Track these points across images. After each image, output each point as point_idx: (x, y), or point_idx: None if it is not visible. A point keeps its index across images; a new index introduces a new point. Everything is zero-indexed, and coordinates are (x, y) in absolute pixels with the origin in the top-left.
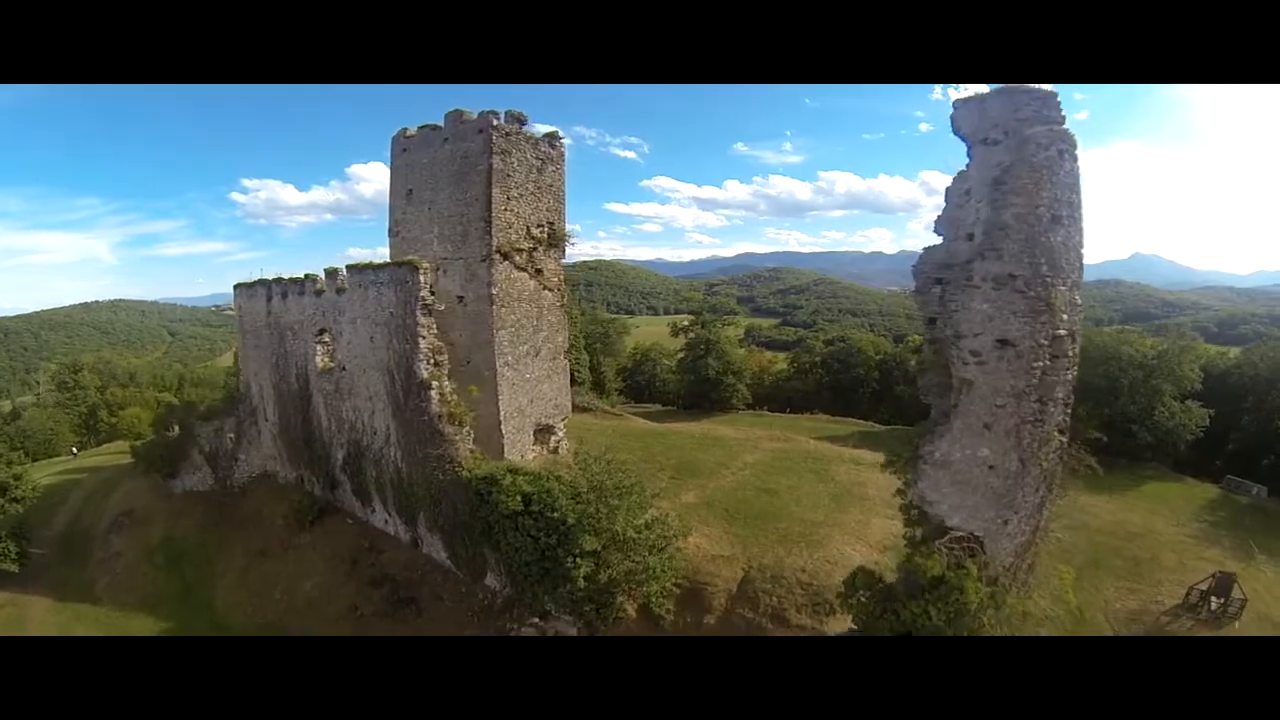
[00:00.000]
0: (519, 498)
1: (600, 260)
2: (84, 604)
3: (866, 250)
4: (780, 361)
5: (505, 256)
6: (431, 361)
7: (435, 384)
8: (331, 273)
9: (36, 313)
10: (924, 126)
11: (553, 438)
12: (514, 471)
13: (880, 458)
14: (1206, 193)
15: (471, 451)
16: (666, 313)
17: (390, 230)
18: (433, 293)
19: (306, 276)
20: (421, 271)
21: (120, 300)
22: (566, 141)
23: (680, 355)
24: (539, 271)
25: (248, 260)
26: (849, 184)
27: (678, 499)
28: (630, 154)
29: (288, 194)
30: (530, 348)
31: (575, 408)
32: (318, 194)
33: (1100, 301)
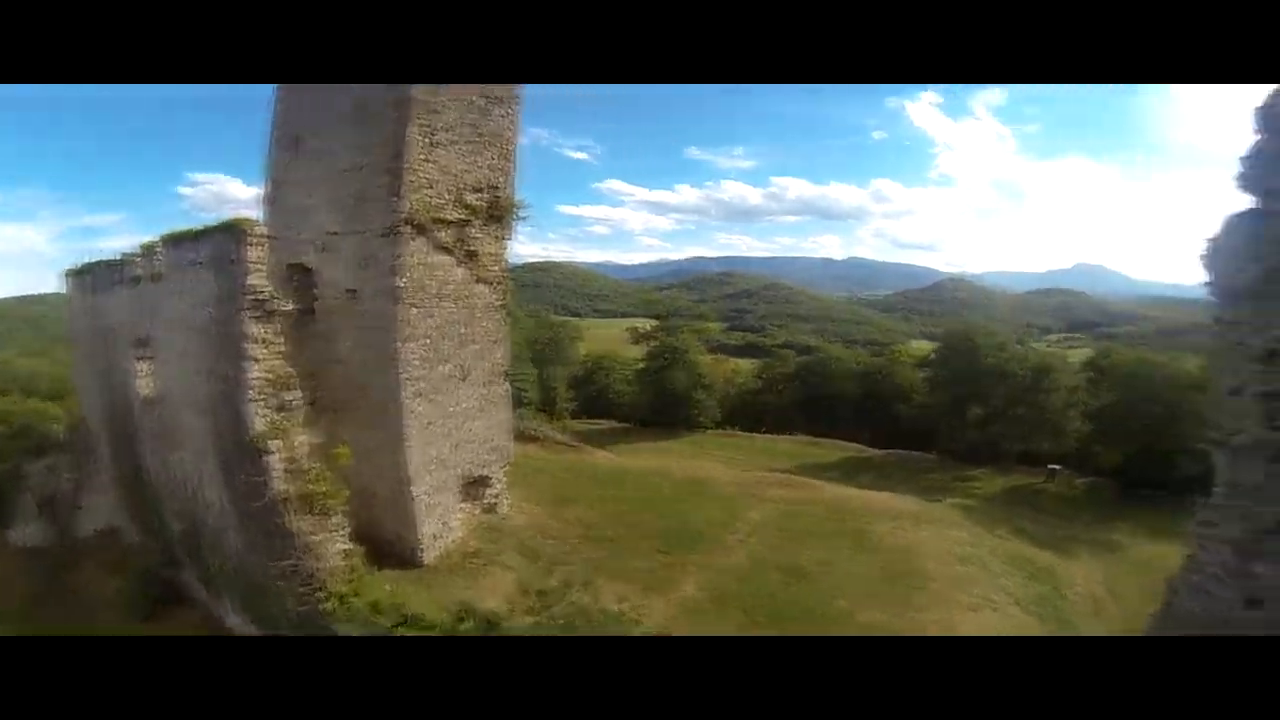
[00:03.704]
0: None
1: (549, 261)
2: None
3: (816, 256)
4: (743, 370)
5: (421, 230)
6: (271, 403)
7: (278, 444)
8: (149, 249)
9: None
10: (877, 134)
11: (488, 491)
12: (404, 625)
13: (913, 506)
14: (1149, 205)
15: (346, 555)
16: (615, 316)
17: (266, 195)
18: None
19: (124, 258)
20: (250, 240)
21: (60, 294)
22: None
23: (640, 365)
24: (472, 255)
25: None
26: (800, 190)
27: (674, 591)
28: (583, 155)
29: (235, 188)
30: (455, 367)
31: (519, 436)
32: None
33: (1048, 310)
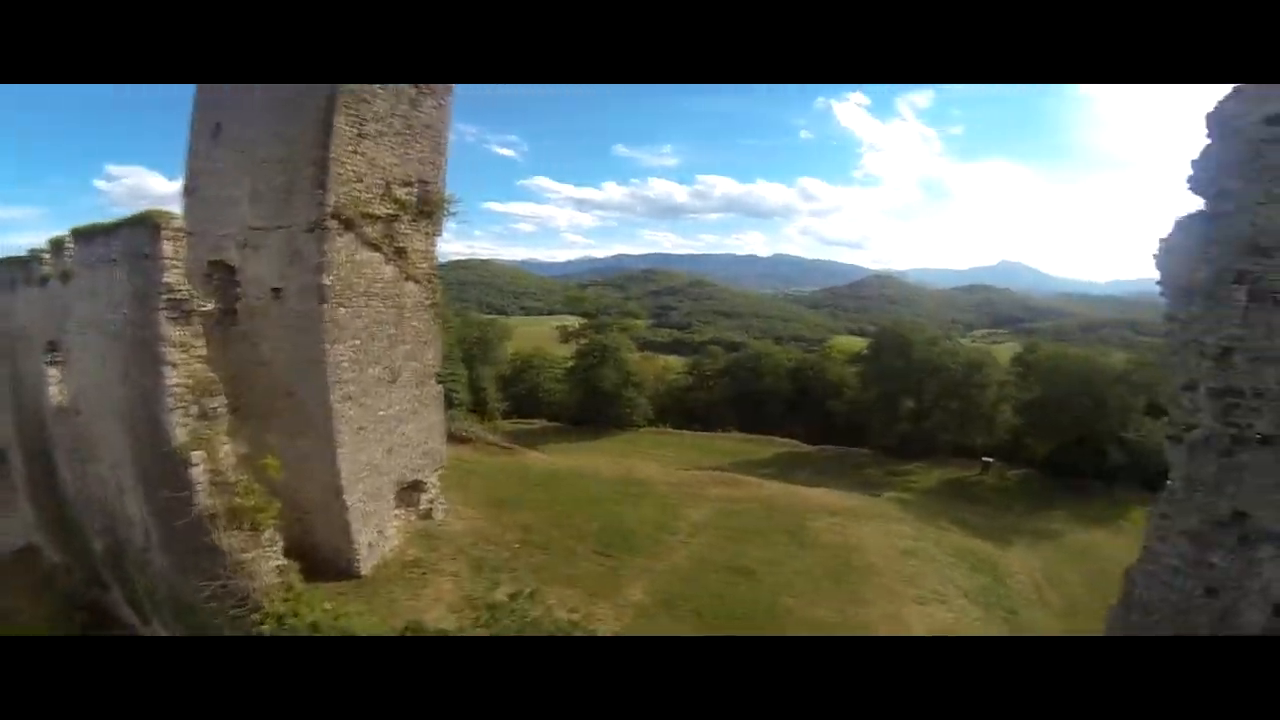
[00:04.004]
0: None
1: (475, 259)
2: None
3: (740, 253)
4: (673, 366)
5: (349, 226)
6: (193, 412)
7: (201, 455)
8: (58, 245)
9: None
10: (804, 134)
11: (423, 497)
12: None
13: (854, 501)
14: (1066, 206)
15: (281, 572)
16: (540, 313)
17: (185, 186)
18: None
19: (31, 254)
20: (165, 236)
21: None
22: None
23: (570, 364)
24: (401, 252)
25: None
26: (726, 188)
27: (620, 595)
28: (509, 152)
29: (155, 182)
30: (385, 369)
31: (451, 438)
32: None
33: (971, 306)
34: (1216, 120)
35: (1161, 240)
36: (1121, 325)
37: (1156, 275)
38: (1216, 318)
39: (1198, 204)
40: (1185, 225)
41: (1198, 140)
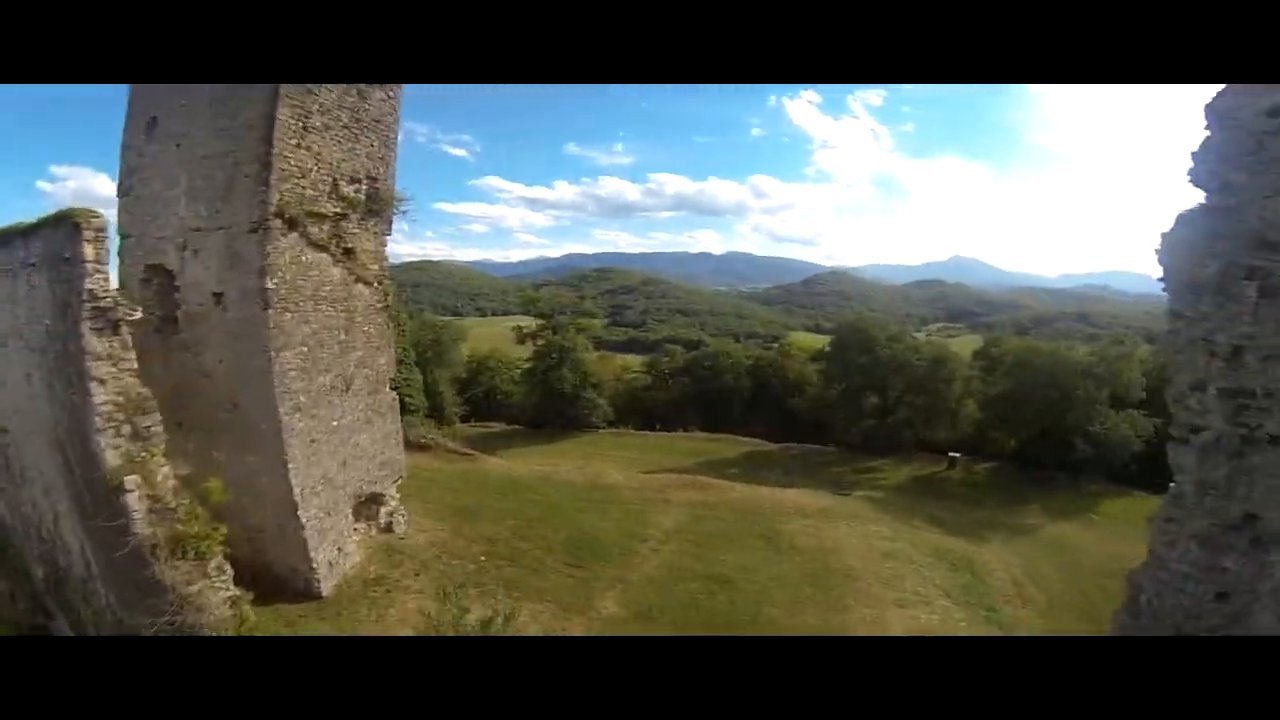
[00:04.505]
0: None
1: (427, 260)
2: None
3: (693, 251)
4: (630, 366)
5: (293, 225)
6: (124, 432)
7: (136, 479)
8: None
9: None
10: (756, 131)
11: (382, 509)
12: None
13: (826, 501)
14: (1016, 202)
15: (233, 603)
16: (494, 314)
17: (120, 186)
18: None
19: None
20: (86, 237)
21: None
22: None
23: (527, 365)
24: (349, 253)
25: None
26: (678, 186)
27: (593, 608)
28: (461, 152)
29: (101, 184)
30: (336, 377)
31: (409, 445)
32: None
33: (925, 301)
34: (1215, 113)
35: (1163, 235)
36: (1073, 318)
37: (1106, 268)
38: (1226, 315)
39: (1193, 198)
40: (1188, 219)
41: (1141, 138)
